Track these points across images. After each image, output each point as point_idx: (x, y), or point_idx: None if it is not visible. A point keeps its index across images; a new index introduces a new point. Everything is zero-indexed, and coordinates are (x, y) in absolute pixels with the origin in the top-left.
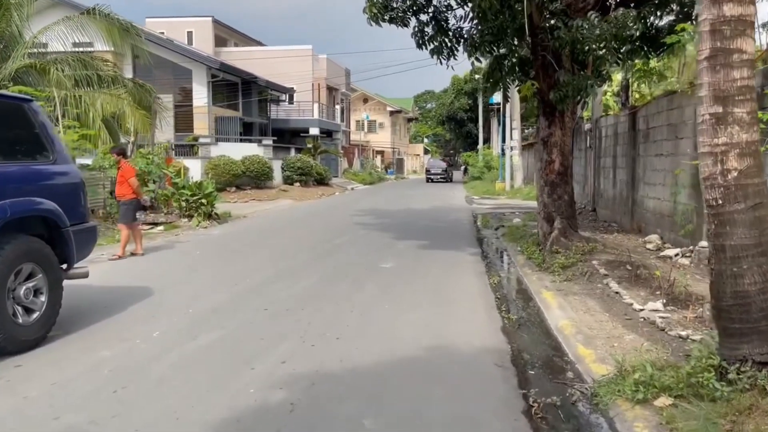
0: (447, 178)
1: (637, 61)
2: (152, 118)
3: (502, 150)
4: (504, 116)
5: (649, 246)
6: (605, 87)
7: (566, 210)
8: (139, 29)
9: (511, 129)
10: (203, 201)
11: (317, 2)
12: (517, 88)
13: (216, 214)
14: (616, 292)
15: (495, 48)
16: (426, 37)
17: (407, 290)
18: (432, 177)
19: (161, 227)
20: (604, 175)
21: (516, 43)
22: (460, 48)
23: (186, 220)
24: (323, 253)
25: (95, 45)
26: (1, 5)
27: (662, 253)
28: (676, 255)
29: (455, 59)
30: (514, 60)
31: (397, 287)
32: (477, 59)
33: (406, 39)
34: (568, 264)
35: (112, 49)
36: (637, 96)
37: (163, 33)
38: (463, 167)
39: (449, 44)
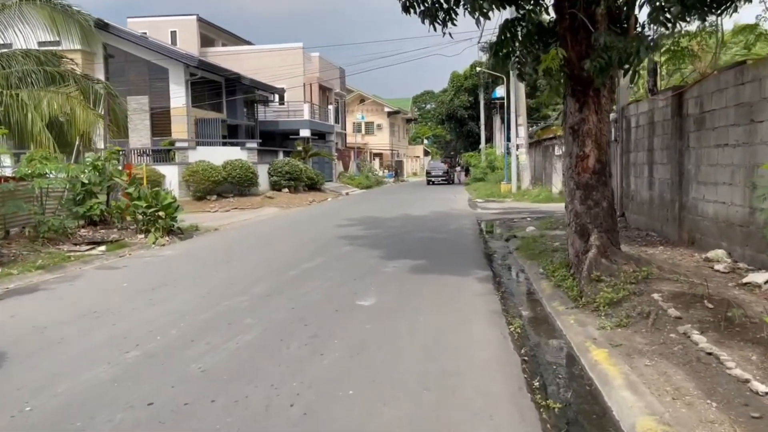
0: (448, 180)
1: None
2: (104, 118)
3: (507, 149)
4: (508, 112)
5: (717, 267)
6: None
7: (605, 220)
8: (90, 18)
9: (517, 125)
10: (160, 214)
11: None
12: (534, 65)
13: (178, 228)
14: (709, 353)
15: (507, 5)
16: None
17: (388, 355)
18: (433, 179)
19: (104, 247)
20: (635, 173)
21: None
22: (460, 8)
23: (142, 236)
24: (286, 284)
25: (63, 44)
26: None
27: (744, 279)
28: None
29: (453, 24)
30: (530, 27)
31: (371, 349)
32: (483, 14)
33: (404, 30)
34: (618, 298)
35: (80, 47)
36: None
37: (145, 33)
38: (465, 168)
39: (445, 5)
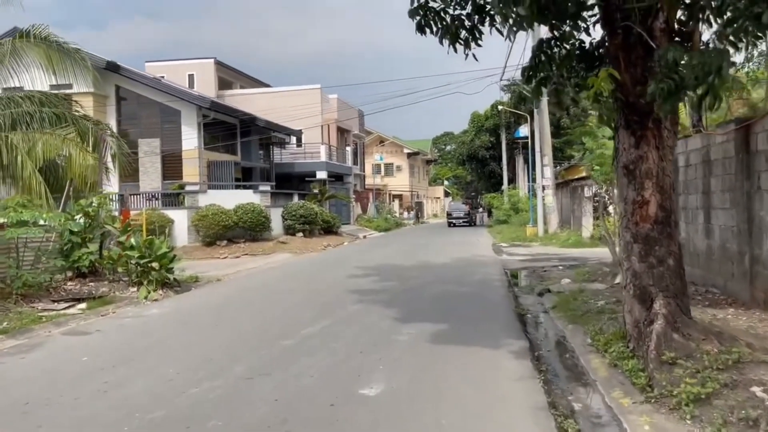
0: (470, 222)
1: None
2: (100, 161)
3: (532, 190)
4: (532, 152)
5: None
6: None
7: (672, 282)
8: (84, 54)
9: (542, 165)
10: (154, 265)
11: (333, 50)
12: (575, 91)
13: (175, 280)
14: None
15: (542, 23)
16: (430, 15)
17: None
18: (453, 221)
19: (84, 305)
20: (686, 218)
21: (573, 12)
22: (486, 25)
23: (135, 289)
24: (276, 361)
25: (75, 87)
26: None
27: None
28: None
29: (478, 44)
30: (569, 47)
31: None
32: (519, 28)
33: (423, 68)
34: (706, 393)
35: (92, 90)
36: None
37: (163, 77)
38: (487, 210)
39: (467, 22)
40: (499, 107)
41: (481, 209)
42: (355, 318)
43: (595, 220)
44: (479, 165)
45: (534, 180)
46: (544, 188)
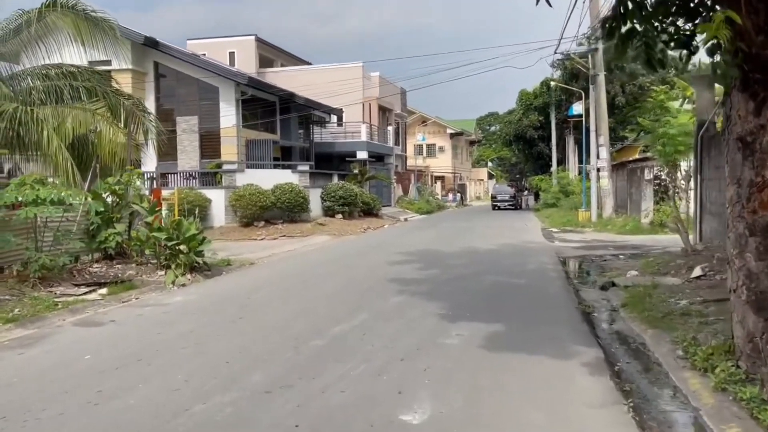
0: (515, 205)
1: None
2: (129, 136)
3: (585, 172)
4: (586, 132)
5: None
6: None
7: None
8: (112, 23)
9: (598, 146)
10: (182, 248)
11: (378, 29)
12: (671, 46)
13: (204, 263)
14: None
15: None
16: None
17: None
18: (498, 204)
19: (105, 290)
20: None
21: None
22: None
23: (162, 273)
24: (301, 368)
25: (113, 63)
26: None
27: None
28: None
29: None
30: None
31: None
32: None
33: (470, 55)
34: None
35: (131, 66)
36: None
37: (204, 55)
38: (533, 193)
39: None
40: (552, 83)
41: (527, 192)
42: (396, 312)
43: (656, 204)
44: (527, 145)
45: (587, 161)
46: (599, 170)
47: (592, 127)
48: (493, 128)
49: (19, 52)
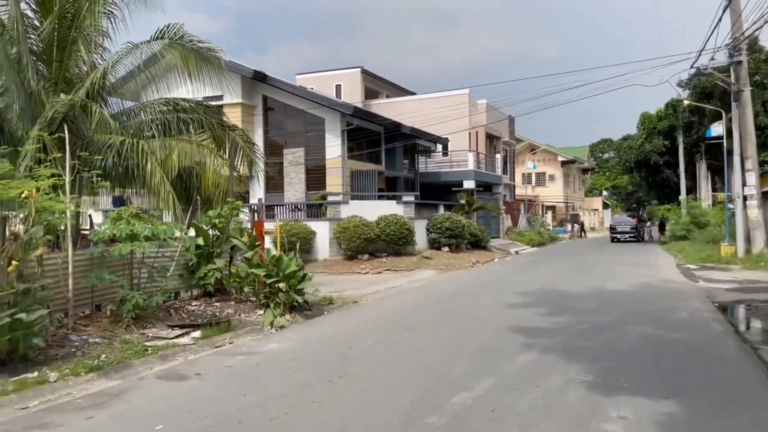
0: (637, 237)
1: None
2: (231, 168)
3: (727, 200)
4: (728, 156)
5: None
6: None
7: None
8: (218, 53)
9: (744, 170)
10: (281, 285)
11: (478, 58)
12: None
13: (305, 302)
14: None
15: None
16: None
17: None
18: (618, 236)
19: (198, 333)
20: None
21: None
22: None
23: (261, 312)
24: None
25: (225, 98)
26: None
27: None
28: None
29: None
30: None
31: None
32: None
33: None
34: None
35: (240, 100)
36: None
37: (312, 88)
38: (658, 224)
39: None
40: (685, 102)
41: (649, 223)
42: (528, 378)
43: None
44: (650, 172)
45: (728, 188)
46: (745, 198)
47: (736, 150)
48: (605, 155)
49: (135, 90)
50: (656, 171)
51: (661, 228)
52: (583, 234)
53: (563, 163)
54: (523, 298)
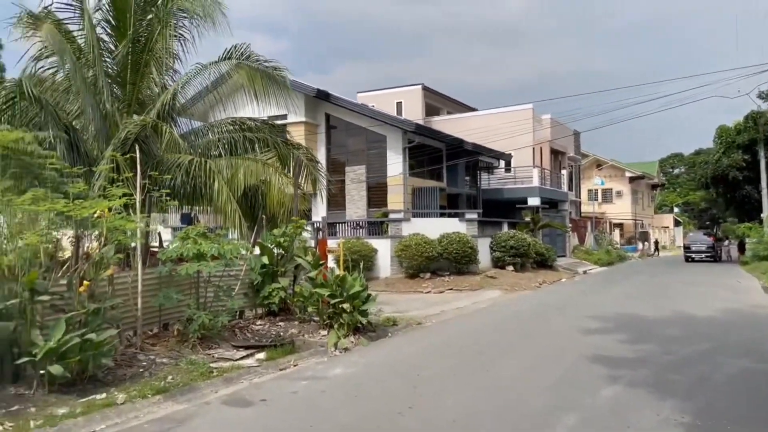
0: (714, 257)
1: None
2: (296, 186)
3: None
4: None
5: None
6: None
7: None
8: (283, 72)
9: None
10: (345, 306)
11: (539, 77)
12: None
13: (369, 323)
14: None
15: None
16: None
17: None
18: (693, 255)
19: (263, 354)
20: None
21: None
22: None
23: (325, 332)
24: None
25: (289, 117)
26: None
27: None
28: None
29: None
30: None
31: None
32: None
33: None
34: None
35: (304, 119)
36: None
37: (373, 106)
38: (737, 243)
39: None
40: (767, 114)
41: (727, 241)
42: (616, 418)
43: None
44: (728, 189)
45: None
46: None
47: None
48: (676, 170)
49: (203, 110)
50: (735, 187)
51: (741, 247)
52: (656, 252)
53: (631, 179)
54: (598, 323)
